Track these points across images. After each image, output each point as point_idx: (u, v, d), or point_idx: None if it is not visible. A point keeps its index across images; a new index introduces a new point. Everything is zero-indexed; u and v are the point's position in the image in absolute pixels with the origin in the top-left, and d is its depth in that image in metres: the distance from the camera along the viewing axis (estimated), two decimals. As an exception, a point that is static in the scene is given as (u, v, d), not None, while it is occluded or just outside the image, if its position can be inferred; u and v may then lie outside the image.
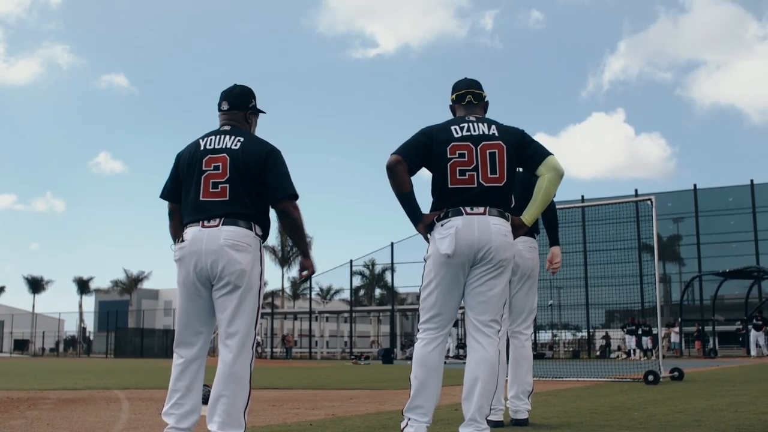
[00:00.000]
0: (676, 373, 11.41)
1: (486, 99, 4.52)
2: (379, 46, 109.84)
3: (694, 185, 39.84)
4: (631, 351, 32.78)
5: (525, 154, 4.26)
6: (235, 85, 4.36)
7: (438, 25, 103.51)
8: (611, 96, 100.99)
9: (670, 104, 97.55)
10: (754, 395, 8.09)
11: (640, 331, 32.20)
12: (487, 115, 4.50)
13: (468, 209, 4.10)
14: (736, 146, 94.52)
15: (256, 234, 4.07)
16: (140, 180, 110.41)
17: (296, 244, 4.20)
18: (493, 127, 4.28)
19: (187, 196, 4.13)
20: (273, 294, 61.63)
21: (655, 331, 29.47)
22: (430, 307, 4.19)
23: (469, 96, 4.46)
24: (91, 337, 74.96)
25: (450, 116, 4.52)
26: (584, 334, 40.95)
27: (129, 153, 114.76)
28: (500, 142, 4.21)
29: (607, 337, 39.03)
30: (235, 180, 4.04)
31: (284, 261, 61.48)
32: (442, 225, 4.13)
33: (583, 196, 38.02)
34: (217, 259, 3.92)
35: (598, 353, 37.44)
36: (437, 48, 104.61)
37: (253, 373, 4.00)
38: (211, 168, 4.08)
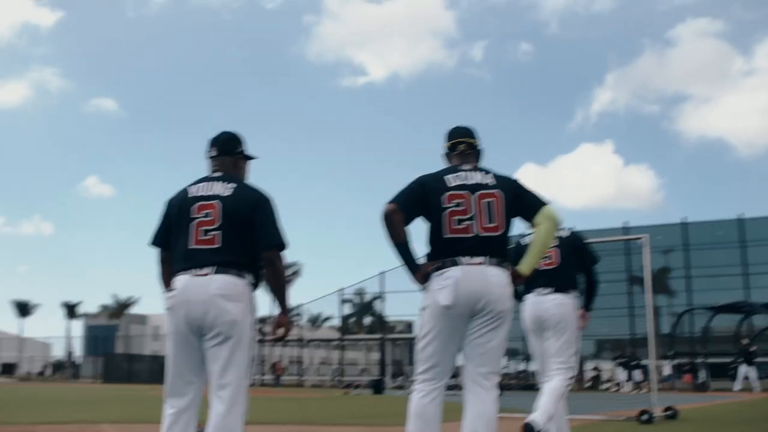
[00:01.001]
0: (670, 412, 11.33)
1: (479, 148, 4.49)
2: (368, 74, 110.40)
3: (684, 219, 39.94)
4: (622, 383, 32.65)
5: (522, 204, 4.23)
6: (224, 131, 4.32)
7: (427, 54, 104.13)
8: (599, 127, 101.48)
9: (657, 136, 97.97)
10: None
11: (630, 364, 32.06)
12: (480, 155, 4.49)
13: (466, 259, 4.05)
14: (724, 178, 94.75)
15: (248, 282, 4.00)
16: (129, 204, 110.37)
17: (275, 295, 4.08)
18: (489, 176, 4.25)
19: (177, 243, 4.05)
20: (263, 320, 61.33)
21: (644, 363, 29.33)
22: (428, 358, 4.13)
23: (462, 145, 4.43)
24: (78, 362, 74.31)
25: (443, 164, 4.48)
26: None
27: (118, 177, 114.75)
28: (497, 191, 4.18)
29: (597, 369, 38.93)
30: (226, 227, 3.97)
31: (275, 287, 61.27)
32: (440, 275, 4.08)
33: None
34: (207, 309, 3.84)
35: (588, 384, 37.33)
36: (426, 77, 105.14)
37: (246, 423, 3.93)
38: (202, 215, 4.00)
